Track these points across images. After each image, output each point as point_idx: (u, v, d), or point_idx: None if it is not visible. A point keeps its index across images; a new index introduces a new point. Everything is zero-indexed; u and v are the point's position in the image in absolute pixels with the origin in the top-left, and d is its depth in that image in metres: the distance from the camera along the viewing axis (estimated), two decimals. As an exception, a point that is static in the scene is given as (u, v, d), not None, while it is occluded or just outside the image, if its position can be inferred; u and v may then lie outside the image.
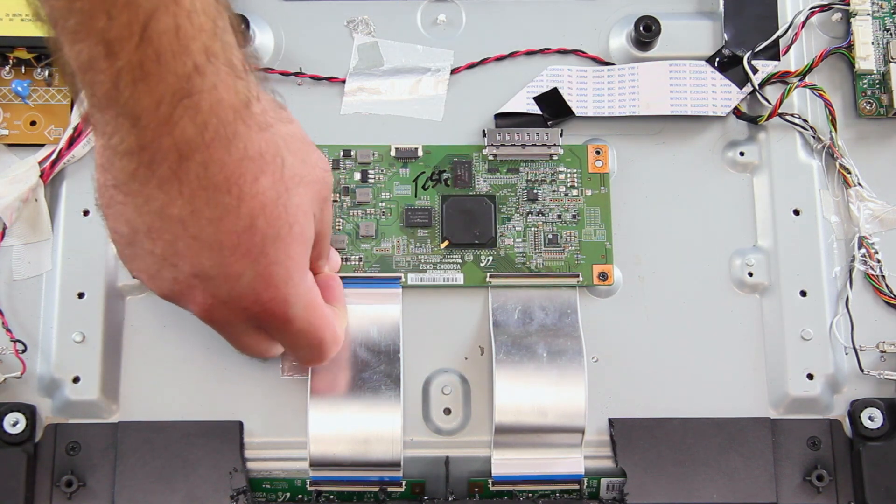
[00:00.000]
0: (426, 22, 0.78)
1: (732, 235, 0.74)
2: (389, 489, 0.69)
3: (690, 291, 0.73)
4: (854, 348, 0.71)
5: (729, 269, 0.73)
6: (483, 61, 0.77)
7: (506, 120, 0.75)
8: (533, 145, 0.74)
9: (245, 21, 0.75)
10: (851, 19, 0.77)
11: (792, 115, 0.75)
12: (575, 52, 0.77)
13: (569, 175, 0.74)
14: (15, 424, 0.68)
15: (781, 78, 0.76)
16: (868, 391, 0.71)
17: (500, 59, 0.77)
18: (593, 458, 0.69)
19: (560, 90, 0.76)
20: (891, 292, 0.73)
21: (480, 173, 0.74)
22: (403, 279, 0.72)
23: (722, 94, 0.75)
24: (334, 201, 0.73)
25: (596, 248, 0.73)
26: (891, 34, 0.77)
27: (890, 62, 0.76)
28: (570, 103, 0.76)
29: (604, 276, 0.72)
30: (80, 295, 0.71)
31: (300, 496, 0.71)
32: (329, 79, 0.77)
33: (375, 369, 0.68)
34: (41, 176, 0.73)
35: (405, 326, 0.71)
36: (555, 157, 0.75)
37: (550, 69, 0.76)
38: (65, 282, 0.72)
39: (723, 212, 0.75)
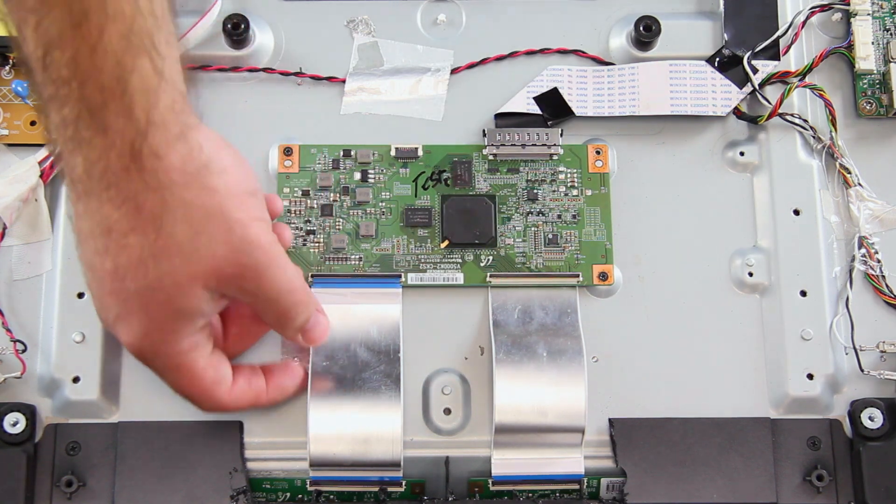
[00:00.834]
0: (426, 22, 0.78)
1: (732, 235, 0.74)
2: (389, 489, 0.69)
3: (690, 291, 0.73)
4: (854, 348, 0.71)
5: (729, 269, 0.73)
6: (483, 61, 0.77)
7: (506, 120, 0.75)
8: (533, 145, 0.74)
9: (245, 21, 0.75)
10: (851, 19, 0.77)
11: (792, 115, 0.75)
12: (575, 52, 0.77)
13: (569, 175, 0.74)
14: (15, 424, 0.68)
15: (781, 78, 0.76)
16: (868, 391, 0.71)
17: (500, 59, 0.77)
18: (593, 458, 0.69)
19: (560, 90, 0.76)
20: (891, 292, 0.73)
21: (480, 173, 0.74)
22: (403, 279, 0.72)
23: (722, 94, 0.75)
24: (334, 201, 0.73)
25: (596, 248, 0.73)
26: (891, 34, 0.77)
27: (890, 62, 0.76)
28: (570, 103, 0.76)
29: (604, 276, 0.72)
30: (80, 295, 0.71)
31: (300, 496, 0.71)
32: (329, 79, 0.77)
33: (375, 369, 0.68)
34: (41, 176, 0.73)
35: (405, 326, 0.71)
36: (555, 157, 0.75)
37: (550, 69, 0.76)
38: (65, 282, 0.72)
39: (723, 212, 0.75)
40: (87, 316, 0.71)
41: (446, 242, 0.73)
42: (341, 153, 0.74)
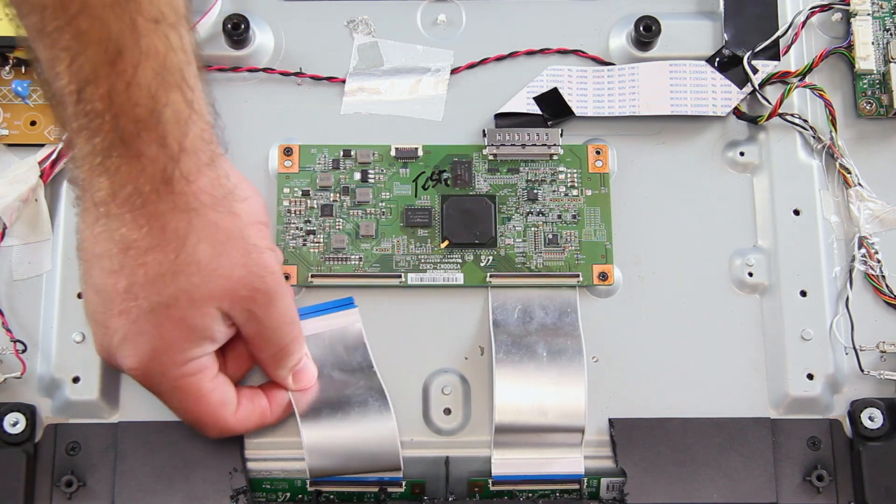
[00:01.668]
0: (426, 22, 0.78)
1: (732, 235, 0.74)
2: (389, 489, 0.69)
3: (690, 291, 0.73)
4: (854, 348, 0.71)
5: (729, 269, 0.73)
6: (483, 61, 0.77)
7: (506, 120, 0.75)
8: (533, 145, 0.74)
9: (245, 21, 0.75)
10: (851, 19, 0.77)
11: (792, 115, 0.75)
12: (575, 52, 0.77)
13: (569, 175, 0.74)
14: (15, 424, 0.68)
15: (781, 78, 0.76)
16: (868, 391, 0.71)
17: (500, 59, 0.77)
18: (593, 458, 0.69)
19: (560, 90, 0.76)
20: (891, 292, 0.73)
21: (480, 173, 0.74)
22: (403, 279, 0.72)
23: (722, 94, 0.75)
24: (334, 201, 0.73)
25: (596, 248, 0.73)
26: (891, 34, 0.77)
27: (890, 62, 0.76)
28: (570, 103, 0.76)
29: (604, 276, 0.72)
30: (80, 295, 0.71)
31: (300, 496, 0.71)
32: (329, 79, 0.77)
33: (356, 385, 0.68)
34: (41, 176, 0.73)
35: (405, 327, 0.71)
36: (555, 157, 0.75)
37: (550, 69, 0.76)
38: (65, 282, 0.72)
39: (723, 212, 0.75)
40: (87, 316, 0.71)
41: (446, 242, 0.73)
42: (341, 153, 0.74)
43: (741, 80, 0.76)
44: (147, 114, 0.56)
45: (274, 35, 0.77)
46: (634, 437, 0.69)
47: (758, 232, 0.74)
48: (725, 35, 0.76)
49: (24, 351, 0.70)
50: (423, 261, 0.72)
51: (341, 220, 0.73)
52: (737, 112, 0.76)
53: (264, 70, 0.76)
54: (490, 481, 0.69)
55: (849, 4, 0.77)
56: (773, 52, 0.76)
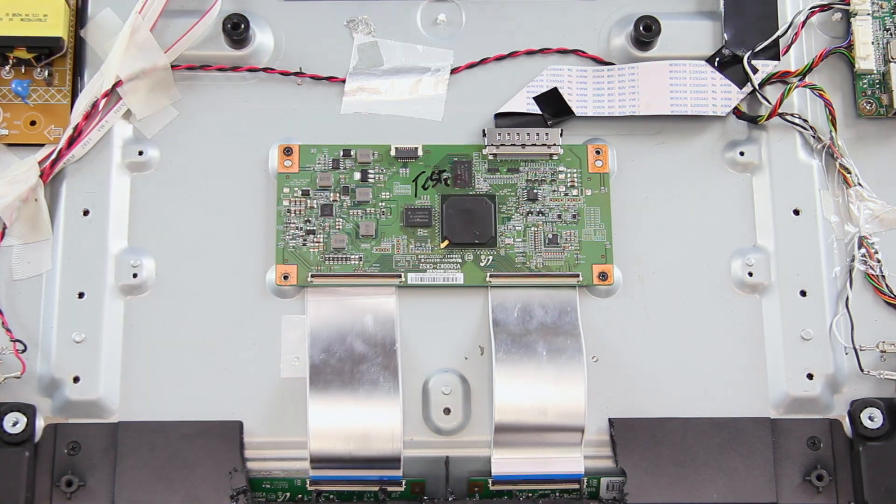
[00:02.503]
0: (426, 22, 0.78)
1: (732, 235, 0.74)
2: (389, 489, 0.69)
3: (690, 291, 0.73)
4: (854, 348, 0.71)
5: (729, 269, 0.73)
6: (483, 61, 0.77)
7: (506, 120, 0.75)
8: (533, 145, 0.74)
9: (245, 21, 0.75)
10: (851, 19, 0.77)
11: (792, 115, 0.75)
12: (575, 52, 0.77)
13: (569, 175, 0.74)
14: (15, 424, 0.68)
15: (781, 78, 0.76)
16: (868, 391, 0.71)
17: (499, 58, 0.77)
18: (593, 458, 0.69)
19: (560, 90, 0.76)
20: (891, 292, 0.73)
21: (480, 173, 0.74)
22: (403, 279, 0.72)
23: (722, 94, 0.75)
24: (334, 201, 0.73)
25: (596, 247, 0.73)
26: (891, 34, 0.77)
27: (890, 62, 0.76)
28: (570, 103, 0.76)
29: (604, 276, 0.72)
30: (81, 295, 0.71)
31: (300, 496, 0.71)
32: (329, 79, 0.77)
33: (373, 362, 0.69)
34: (41, 176, 0.73)
35: (405, 326, 0.71)
36: (555, 157, 0.75)
37: (550, 69, 0.76)
38: (65, 282, 0.72)
39: (723, 212, 0.75)
40: (88, 316, 0.71)
41: (446, 242, 0.73)
42: (341, 153, 0.74)
43: (741, 80, 0.76)
44: None
45: (274, 35, 0.77)
46: (634, 437, 0.69)
47: (758, 232, 0.74)
48: (725, 35, 0.76)
49: (24, 351, 0.70)
50: (423, 261, 0.72)
51: (341, 219, 0.73)
52: (737, 112, 0.76)
53: (264, 70, 0.76)
54: (490, 481, 0.69)
55: (849, 4, 0.77)
56: (773, 52, 0.76)
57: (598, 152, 0.75)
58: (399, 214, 0.73)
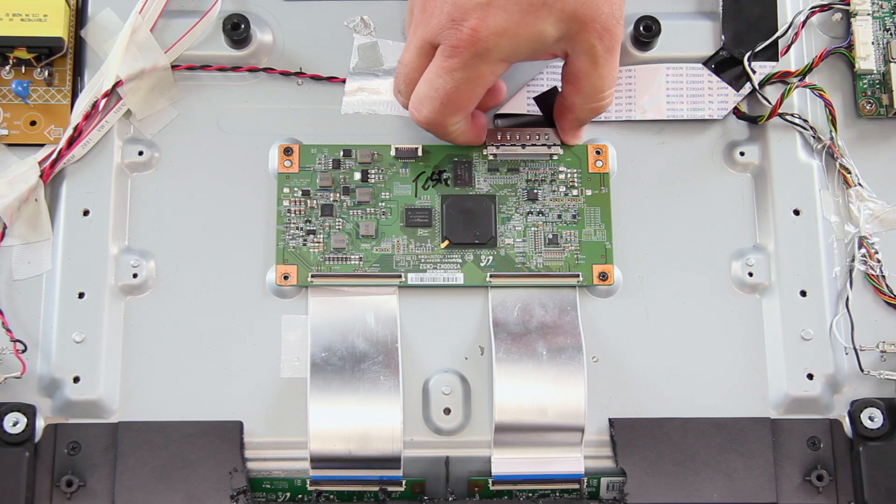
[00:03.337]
0: (426, 22, 0.78)
1: (732, 235, 0.74)
2: (389, 489, 0.69)
3: (690, 291, 0.73)
4: (854, 348, 0.71)
5: (729, 269, 0.73)
6: (483, 61, 0.77)
7: (505, 120, 0.75)
8: (533, 145, 0.74)
9: (245, 21, 0.75)
10: (851, 19, 0.77)
11: (792, 115, 0.75)
12: (575, 52, 0.77)
13: (569, 175, 0.74)
14: (15, 424, 0.68)
15: (781, 78, 0.76)
16: (868, 391, 0.71)
17: (500, 59, 0.77)
18: (593, 458, 0.69)
19: (559, 89, 0.76)
20: (891, 292, 0.73)
21: (480, 173, 0.74)
22: (403, 279, 0.72)
23: (719, 98, 0.75)
24: (334, 201, 0.73)
25: (596, 248, 0.73)
26: (891, 34, 0.77)
27: (890, 62, 0.76)
28: (569, 104, 0.76)
29: (604, 276, 0.72)
30: (81, 295, 0.71)
31: (300, 496, 0.71)
32: (329, 79, 0.77)
33: (374, 360, 0.69)
34: (41, 176, 0.73)
35: (405, 326, 0.71)
36: (555, 157, 0.75)
37: (550, 69, 0.76)
38: (65, 282, 0.72)
39: (723, 212, 0.75)
40: (88, 316, 0.71)
41: (446, 242, 0.73)
42: (341, 153, 0.74)
43: (739, 81, 0.76)
44: None
45: (274, 35, 0.77)
46: (634, 437, 0.69)
47: (758, 232, 0.74)
48: (723, 35, 0.76)
49: (24, 351, 0.70)
50: (423, 261, 0.72)
51: (341, 220, 0.73)
52: (737, 112, 0.76)
53: (264, 70, 0.76)
54: (490, 481, 0.69)
55: (849, 4, 0.77)
56: (772, 53, 0.76)
57: (598, 152, 0.75)
58: (399, 214, 0.73)
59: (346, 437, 0.67)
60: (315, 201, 0.73)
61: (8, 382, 0.69)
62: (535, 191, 0.74)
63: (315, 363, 0.68)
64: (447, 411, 0.70)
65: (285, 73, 0.76)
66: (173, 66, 0.76)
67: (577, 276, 0.72)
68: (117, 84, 0.74)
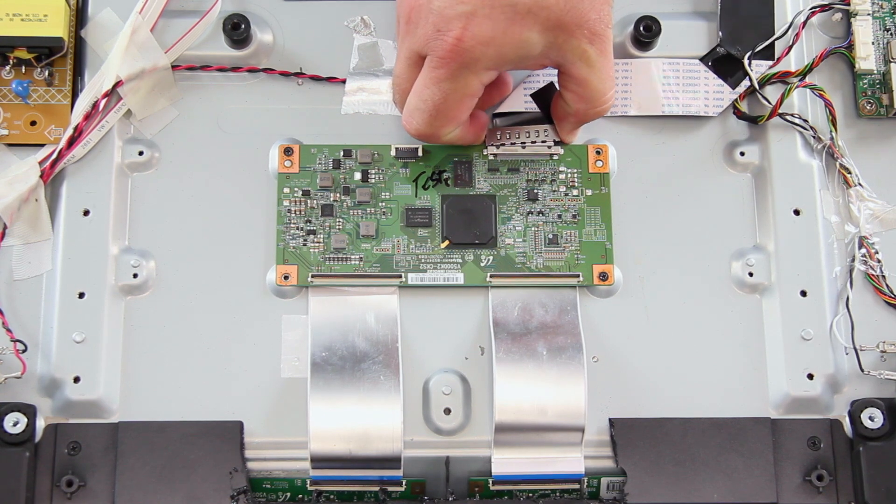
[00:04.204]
0: (426, 22, 0.78)
1: (732, 235, 0.74)
2: (389, 489, 0.69)
3: (690, 291, 0.73)
4: (854, 348, 0.71)
5: (729, 269, 0.74)
6: (483, 62, 0.77)
7: (504, 118, 0.75)
8: (532, 143, 0.74)
9: (245, 21, 0.75)
10: (852, 19, 0.77)
11: (792, 115, 0.75)
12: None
13: (569, 175, 0.74)
14: (15, 424, 0.68)
15: (781, 78, 0.76)
16: (868, 391, 0.71)
17: (500, 59, 0.77)
18: (593, 458, 0.69)
19: (556, 85, 0.76)
20: (891, 292, 0.73)
21: (480, 173, 0.74)
22: (403, 279, 0.72)
23: (714, 95, 0.75)
24: (334, 201, 0.73)
25: (596, 248, 0.73)
26: (891, 34, 0.77)
27: (890, 62, 0.76)
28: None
29: (604, 276, 0.72)
30: (81, 295, 0.71)
31: (300, 496, 0.71)
32: (329, 79, 0.77)
33: (374, 360, 0.69)
34: (41, 176, 0.73)
35: (405, 326, 0.71)
36: (555, 157, 0.75)
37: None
38: (65, 282, 0.72)
39: (723, 212, 0.75)
40: (88, 316, 0.71)
41: (446, 242, 0.73)
42: (341, 153, 0.74)
43: (735, 80, 0.76)
44: None
45: (274, 35, 0.77)
46: (634, 437, 0.69)
47: (758, 232, 0.74)
48: (720, 33, 0.76)
49: (24, 351, 0.70)
50: (423, 261, 0.72)
51: (341, 220, 0.73)
52: (737, 112, 0.76)
53: (264, 70, 0.76)
54: (490, 481, 0.69)
55: (849, 4, 0.77)
56: (769, 53, 0.76)
57: (598, 152, 0.75)
58: (399, 214, 0.73)
59: (347, 437, 0.67)
60: (315, 201, 0.73)
61: (8, 382, 0.69)
62: (536, 191, 0.74)
63: (315, 363, 0.68)
64: (447, 411, 0.70)
65: (285, 73, 0.76)
66: (173, 66, 0.76)
67: (578, 276, 0.72)
68: (117, 84, 0.74)
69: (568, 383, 0.68)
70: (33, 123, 0.75)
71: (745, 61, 0.75)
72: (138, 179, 0.75)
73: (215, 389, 0.70)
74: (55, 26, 0.74)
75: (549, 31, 0.65)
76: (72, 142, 0.73)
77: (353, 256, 0.72)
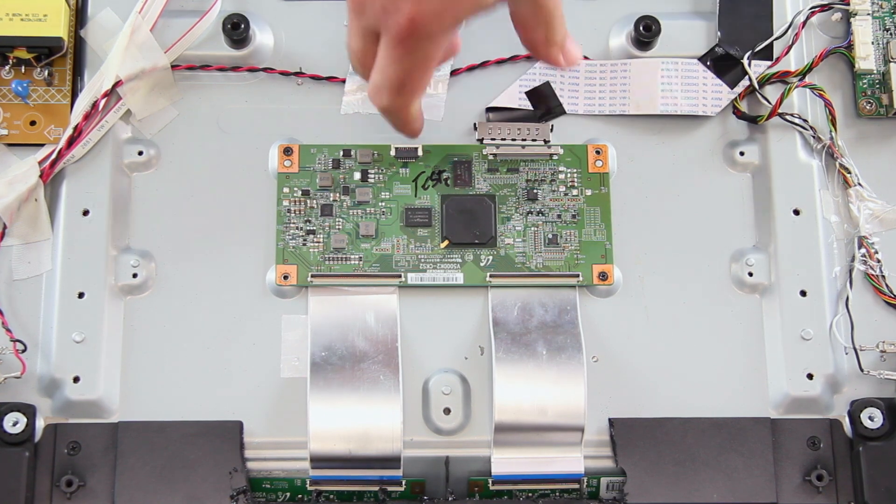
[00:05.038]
0: (426, 22, 0.78)
1: (732, 235, 0.74)
2: (389, 489, 0.69)
3: (690, 291, 0.73)
4: (854, 348, 0.71)
5: (729, 269, 0.74)
6: (483, 64, 0.77)
7: (498, 114, 0.75)
8: (523, 140, 0.74)
9: (245, 21, 0.75)
10: (851, 19, 0.77)
11: (792, 115, 0.75)
12: (576, 56, 0.77)
13: (569, 175, 0.74)
14: (15, 424, 0.68)
15: (781, 78, 0.76)
16: (868, 391, 0.71)
17: (500, 62, 0.77)
18: (593, 458, 0.69)
19: (552, 85, 0.76)
20: (891, 292, 0.73)
21: (480, 173, 0.74)
22: (403, 279, 0.72)
23: (713, 94, 0.75)
24: (334, 201, 0.73)
25: (596, 247, 0.73)
26: (891, 34, 0.77)
27: (890, 62, 0.76)
28: (561, 99, 0.76)
29: (604, 276, 0.72)
30: (81, 295, 0.71)
31: (300, 496, 0.71)
32: (329, 79, 0.77)
33: (374, 359, 0.69)
34: (41, 176, 0.73)
35: (405, 326, 0.71)
36: (555, 157, 0.75)
37: (544, 66, 0.76)
38: (65, 282, 0.72)
39: (723, 212, 0.75)
40: (87, 316, 0.71)
41: (446, 242, 0.73)
42: (341, 153, 0.74)
43: (734, 80, 0.76)
44: None
45: (274, 35, 0.77)
46: (634, 437, 0.69)
47: (758, 232, 0.74)
48: (719, 33, 0.76)
49: (24, 351, 0.70)
50: (423, 261, 0.72)
51: (341, 219, 0.73)
52: (737, 112, 0.76)
53: (264, 70, 0.76)
54: (490, 481, 0.69)
55: (849, 4, 0.77)
56: (768, 52, 0.76)
57: (598, 152, 0.75)
58: (399, 214, 0.73)
59: (346, 436, 0.67)
60: (315, 201, 0.73)
61: (8, 382, 0.69)
62: (535, 191, 0.74)
63: (315, 363, 0.68)
64: (447, 411, 0.70)
65: (285, 73, 0.76)
66: (173, 66, 0.76)
67: (577, 276, 0.72)
68: (117, 84, 0.74)
69: (568, 383, 0.68)
70: (33, 123, 0.75)
71: (745, 61, 0.75)
72: (138, 179, 0.75)
73: (215, 389, 0.70)
74: (55, 26, 0.74)
75: None
76: (71, 142, 0.73)
77: (352, 256, 0.72)
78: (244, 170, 0.75)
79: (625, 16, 0.78)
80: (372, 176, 0.74)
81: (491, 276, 0.72)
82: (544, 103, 0.75)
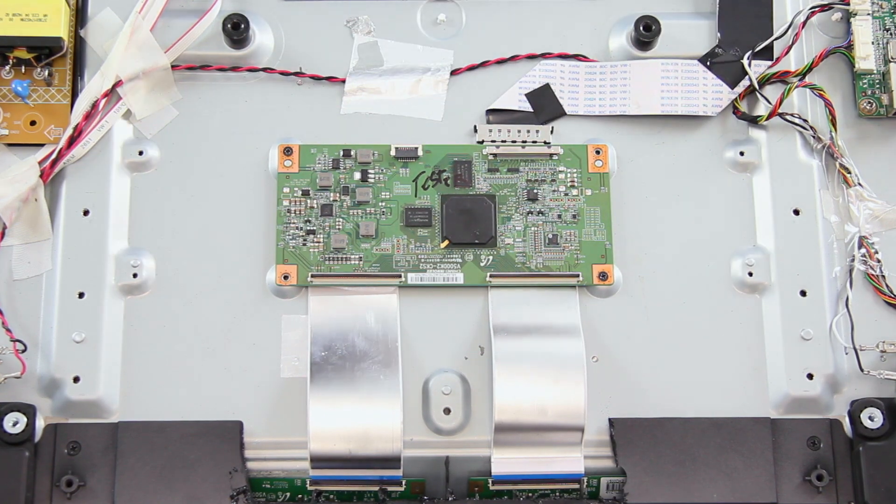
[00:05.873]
0: (426, 22, 0.78)
1: (732, 235, 0.74)
2: (389, 489, 0.69)
3: (690, 291, 0.73)
4: (854, 348, 0.71)
5: (729, 269, 0.74)
6: (483, 63, 0.77)
7: (498, 116, 0.75)
8: (524, 142, 0.74)
9: (245, 21, 0.75)
10: (851, 19, 0.77)
11: (792, 114, 0.75)
12: (576, 56, 0.77)
13: (569, 175, 0.74)
14: (15, 424, 0.68)
15: (781, 78, 0.76)
16: (868, 391, 0.71)
17: (500, 62, 0.77)
18: (593, 458, 0.69)
19: (552, 86, 0.76)
20: (891, 292, 0.73)
21: (480, 173, 0.74)
22: (403, 279, 0.72)
23: (713, 95, 0.75)
24: (334, 201, 0.73)
25: (596, 247, 0.73)
26: (891, 34, 0.77)
27: (890, 62, 0.76)
28: (561, 100, 0.76)
29: (604, 276, 0.72)
30: (81, 295, 0.71)
31: (300, 496, 0.71)
32: (329, 79, 0.77)
33: (374, 359, 0.69)
34: (41, 176, 0.73)
35: (405, 326, 0.71)
36: (555, 157, 0.75)
37: (543, 64, 0.76)
38: (65, 282, 0.72)
39: (723, 212, 0.75)
40: (88, 316, 0.71)
41: (446, 242, 0.73)
42: (341, 153, 0.74)
43: (734, 80, 0.76)
44: None
45: (274, 35, 0.77)
46: (634, 437, 0.69)
47: (758, 232, 0.74)
48: (719, 33, 0.76)
49: (24, 351, 0.70)
50: (423, 261, 0.72)
51: (341, 219, 0.73)
52: (737, 112, 0.76)
53: (264, 70, 0.76)
54: (490, 481, 0.69)
55: (849, 4, 0.77)
56: (768, 53, 0.76)
57: (598, 152, 0.75)
58: (399, 214, 0.73)
59: (346, 436, 0.67)
60: (315, 201, 0.73)
61: (8, 382, 0.69)
62: (535, 191, 0.74)
63: (315, 363, 0.68)
64: (447, 411, 0.70)
65: (285, 73, 0.76)
66: (173, 66, 0.76)
67: (577, 275, 0.72)
68: (117, 84, 0.74)
69: (568, 383, 0.68)
70: (33, 123, 0.75)
71: (745, 61, 0.75)
72: (138, 179, 0.75)
73: (215, 389, 0.70)
74: (55, 26, 0.74)
75: None
76: (71, 142, 0.73)
77: (352, 256, 0.72)
78: (244, 170, 0.75)
79: (625, 16, 0.78)
80: (372, 176, 0.74)
81: (491, 276, 0.72)
82: (545, 107, 0.75)
